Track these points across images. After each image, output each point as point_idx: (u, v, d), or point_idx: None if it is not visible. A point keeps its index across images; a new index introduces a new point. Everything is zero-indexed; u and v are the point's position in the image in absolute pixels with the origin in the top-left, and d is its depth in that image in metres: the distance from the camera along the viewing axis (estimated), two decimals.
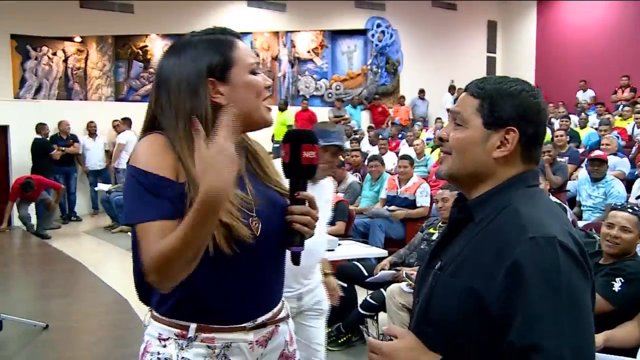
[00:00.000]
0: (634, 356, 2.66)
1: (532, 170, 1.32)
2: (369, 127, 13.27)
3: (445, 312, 1.24)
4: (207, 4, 12.47)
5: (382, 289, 4.24)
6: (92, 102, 11.71)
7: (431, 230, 4.49)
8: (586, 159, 6.84)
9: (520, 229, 1.17)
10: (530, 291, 1.11)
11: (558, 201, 5.37)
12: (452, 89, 14.12)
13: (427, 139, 11.23)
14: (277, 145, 11.23)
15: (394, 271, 4.44)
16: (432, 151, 9.88)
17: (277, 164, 1.62)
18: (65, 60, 11.46)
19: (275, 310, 1.53)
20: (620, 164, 7.27)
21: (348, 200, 6.63)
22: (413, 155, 8.38)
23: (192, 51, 1.43)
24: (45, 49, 11.21)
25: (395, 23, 14.56)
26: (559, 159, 7.18)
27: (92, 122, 10.92)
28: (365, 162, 7.80)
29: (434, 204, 5.79)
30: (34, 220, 9.32)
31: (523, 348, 1.10)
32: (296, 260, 1.49)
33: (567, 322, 1.10)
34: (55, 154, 10.14)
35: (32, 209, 9.29)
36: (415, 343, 1.28)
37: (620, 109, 11.37)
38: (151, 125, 1.47)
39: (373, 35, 14.48)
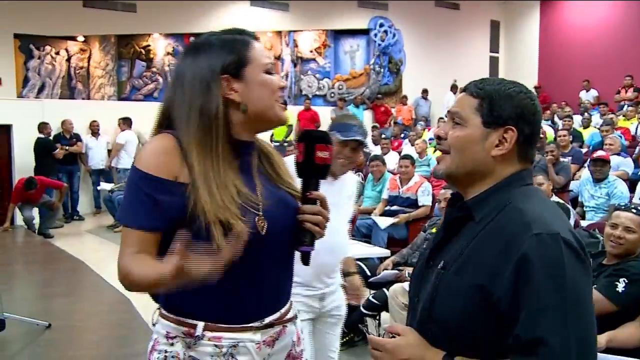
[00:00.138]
0: (637, 357, 2.65)
1: (528, 169, 1.36)
2: (373, 127, 13.26)
3: (451, 309, 1.26)
4: (210, 4, 12.47)
5: (384, 289, 4.24)
6: (95, 102, 11.71)
7: (434, 230, 4.48)
8: (589, 160, 6.82)
9: (525, 226, 1.20)
10: (537, 286, 1.14)
11: (561, 201, 5.36)
12: (454, 88, 14.09)
13: (430, 139, 11.21)
14: (277, 144, 11.23)
15: (396, 271, 4.44)
16: (434, 151, 9.86)
17: (288, 162, 1.63)
18: (68, 60, 11.47)
19: (283, 310, 1.53)
20: (623, 164, 7.25)
21: None
22: (414, 154, 8.37)
23: (208, 50, 1.45)
24: (48, 48, 11.22)
25: (398, 23, 14.55)
26: (561, 159, 7.16)
27: (94, 121, 10.93)
28: (367, 162, 7.79)
29: (436, 203, 5.79)
30: (37, 221, 9.32)
31: (529, 341, 1.13)
32: (306, 260, 1.50)
33: (571, 316, 1.14)
34: (58, 153, 10.15)
35: (35, 211, 9.29)
36: (419, 340, 1.30)
37: (624, 109, 11.34)
38: (163, 123, 1.48)
39: (376, 35, 14.47)
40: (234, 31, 1.50)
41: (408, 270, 4.19)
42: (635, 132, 9.92)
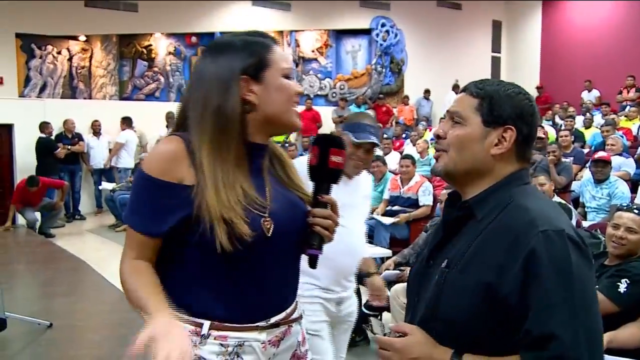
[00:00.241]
0: (637, 357, 2.65)
1: (526, 168, 1.40)
2: None
3: (457, 308, 1.27)
4: (212, 3, 12.47)
5: (386, 289, 4.23)
6: (97, 101, 11.72)
7: None
8: (590, 161, 6.81)
9: (530, 223, 1.23)
10: (546, 282, 1.17)
11: (563, 201, 5.35)
12: (456, 88, 14.07)
13: (431, 139, 11.19)
14: (278, 144, 11.20)
15: (398, 271, 4.44)
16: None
17: (297, 163, 1.64)
18: (70, 59, 11.48)
19: (288, 310, 1.54)
20: (625, 165, 7.24)
21: None
22: (415, 155, 8.36)
23: (230, 50, 1.46)
24: (50, 47, 11.23)
25: (399, 23, 14.54)
26: (563, 159, 7.16)
27: (96, 120, 10.93)
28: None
29: (438, 203, 5.79)
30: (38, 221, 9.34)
31: (540, 336, 1.16)
32: (313, 263, 1.51)
33: (580, 311, 1.17)
34: (59, 153, 10.15)
35: (37, 214, 9.30)
36: (427, 338, 1.31)
37: (627, 109, 11.32)
38: (182, 123, 1.49)
39: (377, 35, 14.46)
40: (257, 34, 1.51)
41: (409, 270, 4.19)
42: (637, 133, 9.90)
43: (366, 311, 4.29)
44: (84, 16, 11.31)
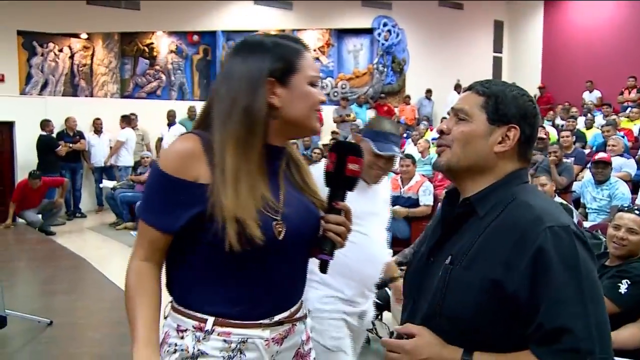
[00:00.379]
0: (637, 358, 2.65)
1: (526, 168, 1.43)
2: None
3: (462, 304, 1.29)
4: (214, 2, 12.49)
5: (387, 288, 4.23)
6: (98, 99, 11.73)
7: None
8: (590, 162, 6.80)
9: (535, 219, 1.25)
10: (556, 277, 1.21)
11: (564, 202, 5.35)
12: (458, 88, 14.06)
13: (433, 139, 11.20)
14: None
15: (399, 270, 4.42)
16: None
17: (314, 170, 1.65)
18: (72, 57, 11.49)
19: (293, 309, 1.54)
20: (626, 166, 7.23)
21: None
22: (416, 154, 8.35)
23: (260, 50, 1.46)
24: (51, 45, 11.24)
25: (401, 22, 14.53)
26: (564, 160, 7.16)
27: (98, 119, 10.92)
28: None
29: (439, 203, 5.78)
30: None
31: (552, 330, 1.19)
32: (324, 268, 1.51)
33: (589, 303, 1.21)
34: (60, 150, 10.14)
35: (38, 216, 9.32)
36: (436, 339, 1.32)
37: (627, 110, 11.31)
38: (203, 120, 1.49)
39: (379, 34, 14.45)
40: (289, 37, 1.52)
41: None
42: (638, 134, 9.89)
43: None
44: (86, 14, 11.32)
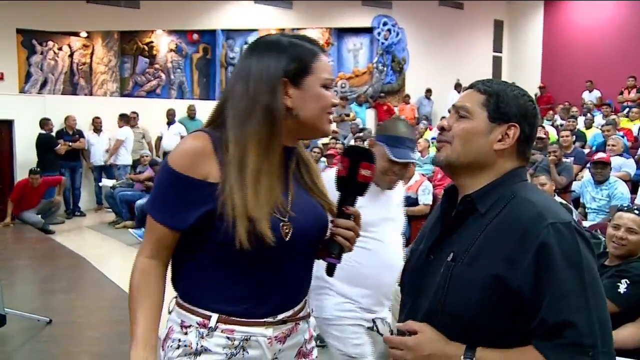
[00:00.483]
0: (636, 358, 2.65)
1: (524, 166, 1.45)
2: (376, 125, 13.25)
3: (465, 301, 1.30)
4: (214, 1, 12.48)
5: None
6: (97, 98, 11.72)
7: None
8: (590, 162, 6.80)
9: (538, 216, 1.27)
10: (558, 273, 1.23)
11: (564, 202, 5.35)
12: (458, 87, 14.07)
13: (432, 138, 11.20)
14: None
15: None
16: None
17: (325, 176, 1.65)
18: (71, 55, 11.48)
19: (296, 308, 1.55)
20: (625, 165, 7.23)
21: None
22: (416, 154, 8.32)
23: (276, 49, 1.45)
24: (51, 43, 11.23)
25: (401, 21, 14.52)
26: (564, 160, 7.16)
27: (97, 117, 10.89)
28: None
29: (438, 202, 5.78)
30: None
31: (555, 325, 1.21)
32: (331, 271, 1.52)
33: (591, 298, 1.23)
34: (60, 149, 10.12)
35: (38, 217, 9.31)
36: (438, 335, 1.33)
37: (625, 111, 11.32)
38: (216, 119, 1.49)
39: (379, 34, 14.44)
40: (305, 38, 1.50)
41: None
42: (638, 133, 9.89)
43: None
44: (86, 12, 11.31)
